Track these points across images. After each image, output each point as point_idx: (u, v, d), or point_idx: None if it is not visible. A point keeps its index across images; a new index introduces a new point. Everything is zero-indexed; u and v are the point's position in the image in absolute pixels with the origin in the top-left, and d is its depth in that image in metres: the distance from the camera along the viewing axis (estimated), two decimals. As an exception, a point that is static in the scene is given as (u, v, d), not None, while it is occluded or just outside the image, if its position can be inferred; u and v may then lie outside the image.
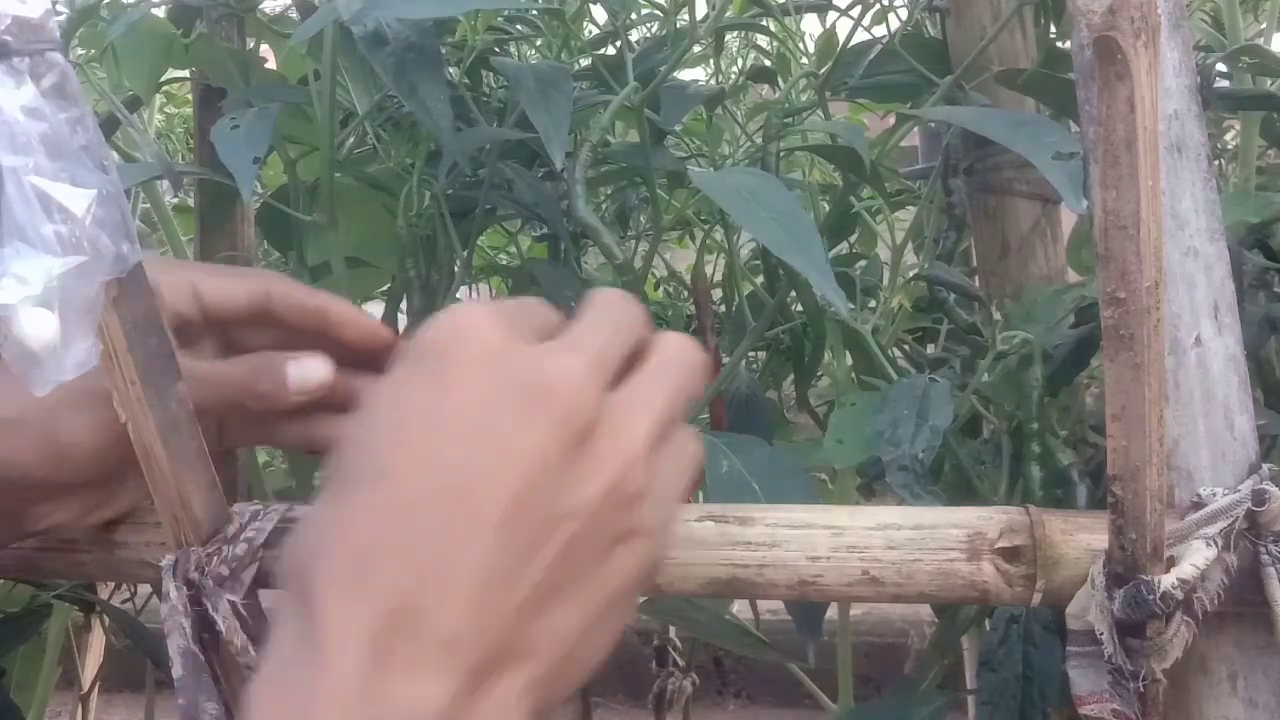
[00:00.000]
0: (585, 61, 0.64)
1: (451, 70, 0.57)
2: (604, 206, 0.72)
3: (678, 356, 0.34)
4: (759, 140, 0.62)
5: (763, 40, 0.83)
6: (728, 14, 0.58)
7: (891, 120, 0.75)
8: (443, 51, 0.53)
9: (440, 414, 0.30)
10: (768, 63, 0.80)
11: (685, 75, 0.80)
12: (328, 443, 0.50)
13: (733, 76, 0.83)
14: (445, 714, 0.26)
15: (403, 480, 0.29)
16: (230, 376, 0.45)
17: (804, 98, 0.64)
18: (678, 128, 0.78)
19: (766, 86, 0.83)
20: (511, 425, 0.29)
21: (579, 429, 0.30)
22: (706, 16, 0.53)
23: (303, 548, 0.29)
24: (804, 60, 0.67)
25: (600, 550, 0.30)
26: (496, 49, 0.59)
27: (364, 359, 0.49)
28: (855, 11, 0.62)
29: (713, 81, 0.76)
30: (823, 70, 0.61)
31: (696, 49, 0.56)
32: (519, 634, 0.28)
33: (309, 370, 0.45)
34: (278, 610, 0.30)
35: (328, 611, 0.27)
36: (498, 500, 0.28)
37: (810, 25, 0.72)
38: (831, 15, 0.69)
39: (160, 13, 0.66)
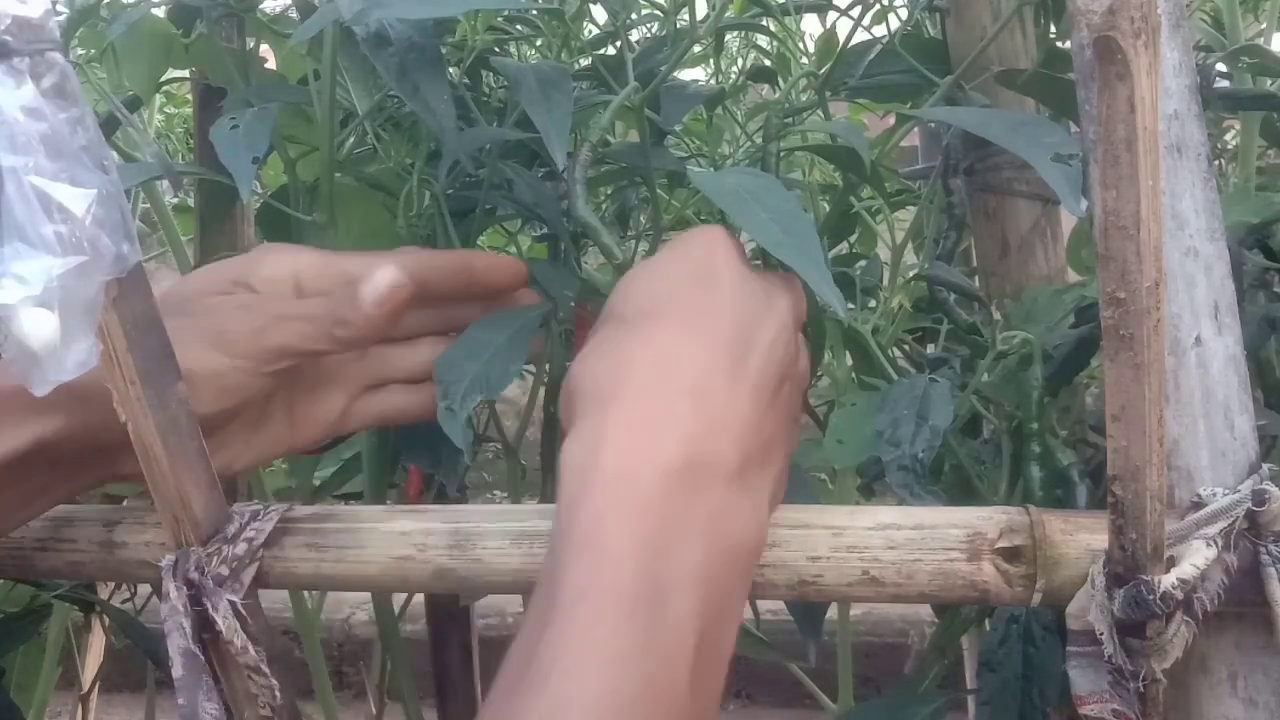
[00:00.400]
0: (586, 62, 0.64)
1: (451, 70, 0.57)
2: (604, 206, 0.72)
3: None
4: (759, 140, 0.62)
5: (763, 41, 0.83)
6: (728, 14, 0.58)
7: (892, 120, 0.75)
8: (443, 52, 0.53)
9: (717, 282, 0.40)
10: (768, 63, 0.80)
11: (686, 75, 0.80)
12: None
13: (733, 76, 0.83)
14: (736, 474, 0.34)
15: (700, 315, 0.38)
16: (310, 310, 0.45)
17: (804, 98, 0.64)
18: (678, 128, 0.78)
19: (767, 87, 0.83)
20: (766, 298, 0.40)
21: (800, 318, 0.42)
22: (707, 16, 0.52)
23: (611, 357, 0.38)
24: (804, 60, 0.67)
25: (792, 409, 0.42)
26: (496, 49, 0.59)
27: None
28: (856, 12, 0.62)
29: (713, 81, 0.76)
30: (823, 70, 0.61)
31: (696, 49, 0.56)
32: (768, 435, 0.37)
33: (378, 279, 0.45)
34: (571, 400, 0.37)
35: (645, 394, 0.35)
36: (762, 340, 0.39)
37: (812, 25, 0.72)
38: (832, 15, 0.69)
39: (160, 13, 0.66)
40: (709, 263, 0.41)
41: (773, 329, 0.39)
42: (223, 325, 0.43)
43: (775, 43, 0.75)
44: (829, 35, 0.71)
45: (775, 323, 0.40)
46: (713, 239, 0.42)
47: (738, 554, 0.34)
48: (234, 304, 0.44)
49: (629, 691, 0.29)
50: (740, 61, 0.85)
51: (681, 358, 0.36)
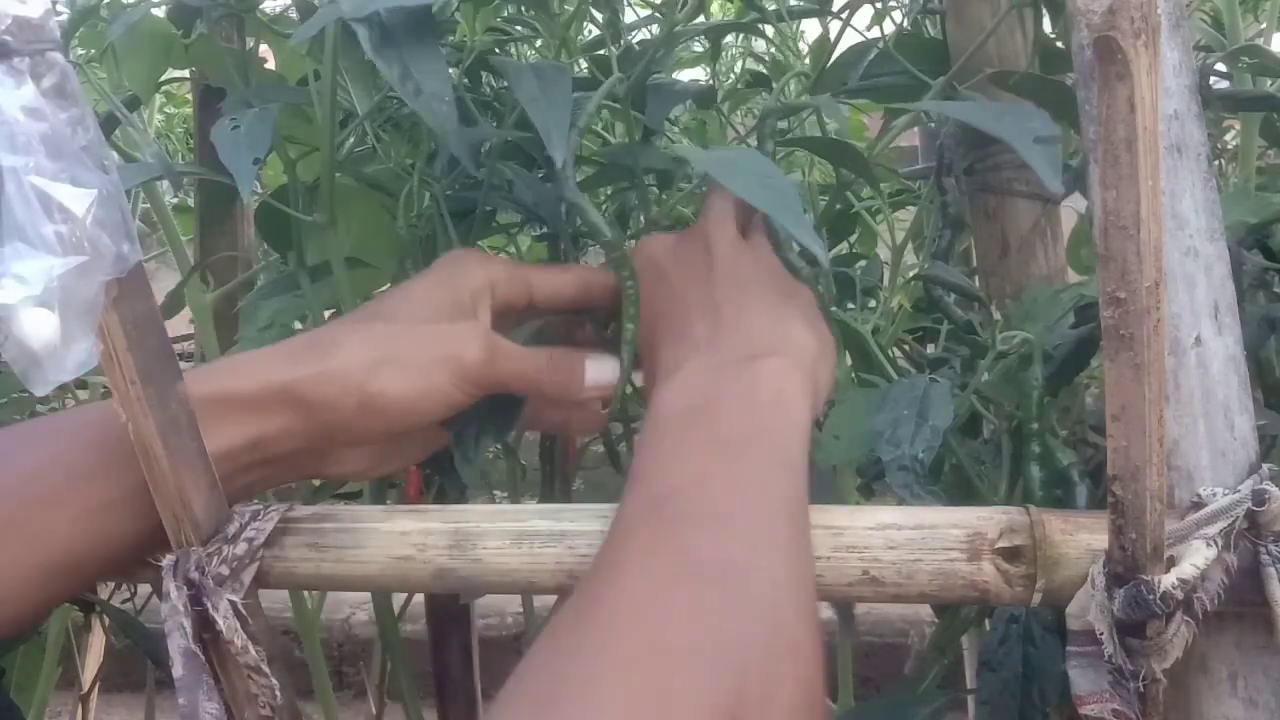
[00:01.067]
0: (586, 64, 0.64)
1: (450, 71, 0.57)
2: (603, 207, 0.72)
3: None
4: (752, 142, 0.62)
5: (761, 45, 0.83)
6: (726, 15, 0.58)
7: (892, 121, 0.75)
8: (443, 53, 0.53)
9: (666, 268, 0.51)
10: (764, 68, 0.80)
11: (685, 78, 0.80)
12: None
13: (730, 79, 0.83)
14: (746, 356, 0.45)
15: (672, 291, 0.51)
16: (535, 360, 0.51)
17: (802, 99, 0.63)
18: (677, 129, 0.78)
19: (766, 91, 0.83)
20: (698, 235, 0.52)
21: (727, 208, 0.52)
22: (701, 15, 0.52)
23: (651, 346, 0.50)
24: (800, 62, 0.67)
25: (776, 277, 0.51)
26: (496, 49, 0.59)
27: None
28: (851, 15, 0.62)
29: (710, 84, 0.76)
30: (816, 72, 0.61)
31: (695, 50, 0.56)
32: (761, 311, 0.48)
33: (606, 370, 0.53)
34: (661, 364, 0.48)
35: (668, 352, 0.48)
36: (716, 263, 0.50)
37: (812, 28, 0.72)
38: (832, 20, 0.69)
39: (160, 13, 0.66)
40: (653, 259, 0.52)
41: (719, 248, 0.50)
42: (459, 353, 0.49)
43: (771, 47, 0.75)
44: (823, 38, 0.71)
45: (715, 241, 0.50)
46: (639, 251, 0.53)
47: (773, 388, 0.44)
48: (467, 332, 0.50)
49: (690, 450, 0.41)
50: (739, 65, 0.85)
51: (673, 315, 0.49)
